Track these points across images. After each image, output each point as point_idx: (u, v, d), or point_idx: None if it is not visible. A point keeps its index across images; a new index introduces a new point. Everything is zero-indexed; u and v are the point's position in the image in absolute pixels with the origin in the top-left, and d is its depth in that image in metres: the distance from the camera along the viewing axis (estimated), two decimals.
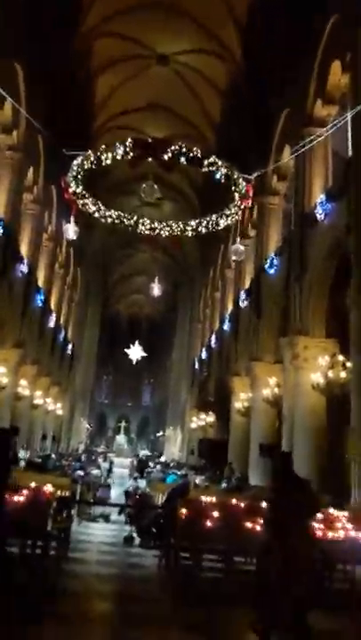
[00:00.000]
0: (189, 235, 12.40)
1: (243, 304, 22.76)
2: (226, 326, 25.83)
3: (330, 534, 6.04)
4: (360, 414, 10.94)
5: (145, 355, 38.29)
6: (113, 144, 10.26)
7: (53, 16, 20.37)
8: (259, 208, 21.64)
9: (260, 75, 22.13)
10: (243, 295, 22.90)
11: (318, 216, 14.97)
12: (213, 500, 6.92)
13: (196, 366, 33.96)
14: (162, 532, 7.75)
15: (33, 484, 6.73)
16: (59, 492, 9.88)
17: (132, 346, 35.35)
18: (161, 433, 45.51)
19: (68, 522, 7.84)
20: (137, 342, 36.56)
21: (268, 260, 19.33)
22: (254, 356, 19.55)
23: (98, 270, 42.08)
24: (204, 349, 32.07)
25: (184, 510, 6.43)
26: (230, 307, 25.57)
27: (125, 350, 38.18)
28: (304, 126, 16.68)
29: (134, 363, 38.81)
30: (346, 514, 6.53)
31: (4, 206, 18.46)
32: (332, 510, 6.74)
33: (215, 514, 6.12)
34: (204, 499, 7.05)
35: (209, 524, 5.97)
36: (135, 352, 34.61)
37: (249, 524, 6.08)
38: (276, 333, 18.32)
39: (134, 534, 9.12)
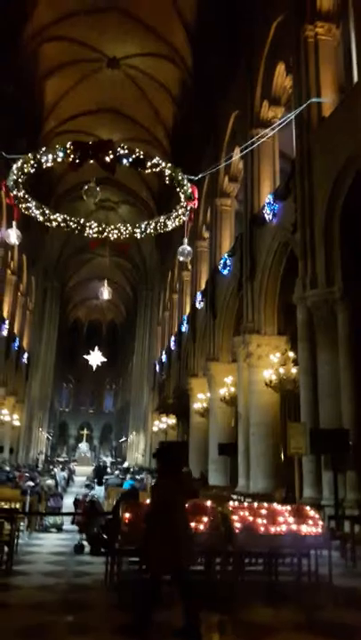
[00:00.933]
0: (138, 237, 12.25)
1: (199, 305, 22.85)
2: (184, 328, 25.86)
3: (272, 529, 6.06)
4: (309, 409, 11.09)
5: (105, 360, 37.86)
6: (53, 147, 10.05)
7: None
8: (212, 210, 21.87)
9: (209, 77, 22.36)
10: (199, 296, 23.00)
11: (266, 216, 15.18)
12: None
13: (157, 369, 33.87)
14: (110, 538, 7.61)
15: None
16: (5, 505, 9.64)
17: (91, 352, 34.87)
18: (124, 438, 45.09)
19: (12, 534, 7.57)
20: (96, 348, 36.09)
21: (222, 261, 19.51)
22: (211, 356, 19.64)
23: (55, 276, 41.46)
24: (164, 352, 32.02)
25: (127, 514, 6.34)
26: (188, 309, 25.62)
27: (85, 357, 37.64)
28: (252, 128, 16.94)
29: (94, 369, 38.31)
30: (289, 508, 6.58)
31: None
32: (275, 505, 6.78)
33: None
34: (148, 501, 6.96)
35: None
36: (95, 358, 34.16)
37: (193, 524, 6.02)
38: (231, 333, 18.48)
39: (84, 542, 8.94)
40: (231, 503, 6.88)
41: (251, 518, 6.19)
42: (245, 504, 7.16)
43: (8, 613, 5.55)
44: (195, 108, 24.69)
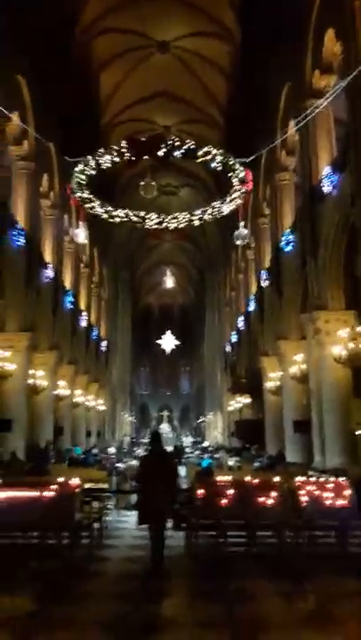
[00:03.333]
0: (195, 224, 12.56)
1: (265, 284, 22.80)
2: (251, 307, 25.93)
3: (338, 502, 6.29)
4: None
5: (178, 343, 38.71)
6: (110, 147, 10.53)
7: (50, 22, 20.76)
8: (271, 185, 21.63)
9: (259, 50, 21.89)
10: (264, 275, 22.94)
11: (326, 189, 14.86)
12: (228, 478, 7.26)
13: (228, 349, 34.20)
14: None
15: (61, 479, 7.24)
16: (98, 485, 10.48)
17: (163, 336, 35.75)
18: (202, 418, 46.06)
19: (101, 511, 8.32)
20: (168, 332, 36.95)
21: (284, 238, 19.35)
22: (280, 334, 19.66)
23: (125, 265, 42.65)
24: (233, 332, 32.25)
25: (201, 491, 6.82)
26: (254, 287, 25.64)
27: (158, 341, 38.70)
28: (305, 98, 16.53)
29: (168, 352, 39.34)
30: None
31: (23, 216, 19.07)
32: (340, 479, 6.97)
33: (230, 491, 6.46)
34: (220, 478, 7.41)
35: (224, 501, 6.32)
36: (167, 342, 35.04)
37: (262, 499, 6.39)
38: (298, 310, 18.34)
39: None
40: (298, 478, 7.18)
41: (317, 492, 6.46)
42: (312, 479, 7.43)
43: (103, 580, 6.29)
44: (247, 84, 24.30)
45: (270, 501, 6.38)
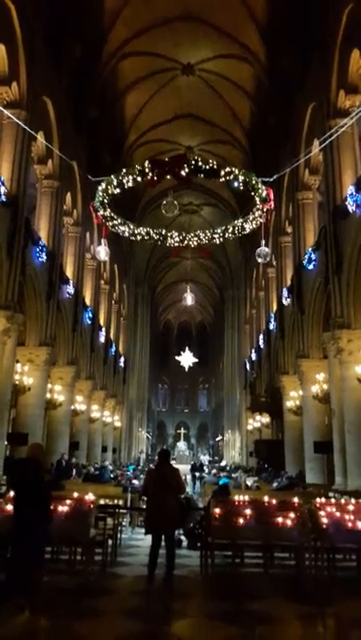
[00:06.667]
0: (217, 242, 12.59)
1: (286, 302, 22.67)
2: (272, 325, 25.76)
3: (360, 524, 6.10)
4: None
5: (197, 361, 38.63)
6: (133, 167, 10.64)
7: (77, 45, 21.40)
8: (293, 204, 21.63)
9: (284, 72, 22.15)
10: (285, 293, 22.82)
11: (350, 208, 14.80)
12: (246, 498, 7.13)
13: (248, 367, 33.93)
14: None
15: (76, 495, 7.19)
16: (112, 501, 10.39)
17: (182, 353, 35.73)
18: (220, 437, 45.54)
19: (116, 529, 8.22)
20: (187, 349, 36.89)
21: (306, 256, 19.27)
22: (301, 353, 19.44)
23: (144, 282, 42.95)
24: (253, 350, 32.02)
25: (217, 510, 6.70)
26: (275, 305, 25.49)
27: (176, 358, 38.74)
28: (329, 118, 16.61)
29: (187, 370, 39.29)
30: None
31: (46, 232, 19.39)
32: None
33: (248, 511, 6.33)
34: (237, 497, 7.27)
35: (242, 521, 6.18)
36: (186, 359, 34.92)
37: (280, 520, 6.25)
38: (320, 329, 18.17)
39: (182, 537, 9.41)
40: (318, 499, 7.01)
41: (338, 514, 6.29)
42: (333, 501, 7.25)
43: (114, 598, 6.16)
44: (271, 104, 24.53)
45: (289, 522, 6.23)
